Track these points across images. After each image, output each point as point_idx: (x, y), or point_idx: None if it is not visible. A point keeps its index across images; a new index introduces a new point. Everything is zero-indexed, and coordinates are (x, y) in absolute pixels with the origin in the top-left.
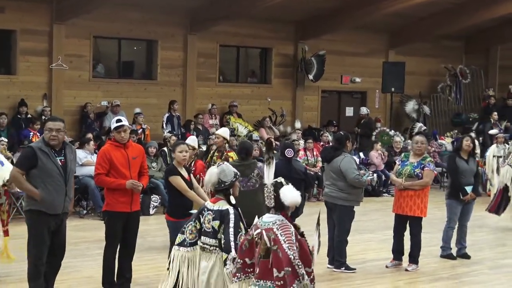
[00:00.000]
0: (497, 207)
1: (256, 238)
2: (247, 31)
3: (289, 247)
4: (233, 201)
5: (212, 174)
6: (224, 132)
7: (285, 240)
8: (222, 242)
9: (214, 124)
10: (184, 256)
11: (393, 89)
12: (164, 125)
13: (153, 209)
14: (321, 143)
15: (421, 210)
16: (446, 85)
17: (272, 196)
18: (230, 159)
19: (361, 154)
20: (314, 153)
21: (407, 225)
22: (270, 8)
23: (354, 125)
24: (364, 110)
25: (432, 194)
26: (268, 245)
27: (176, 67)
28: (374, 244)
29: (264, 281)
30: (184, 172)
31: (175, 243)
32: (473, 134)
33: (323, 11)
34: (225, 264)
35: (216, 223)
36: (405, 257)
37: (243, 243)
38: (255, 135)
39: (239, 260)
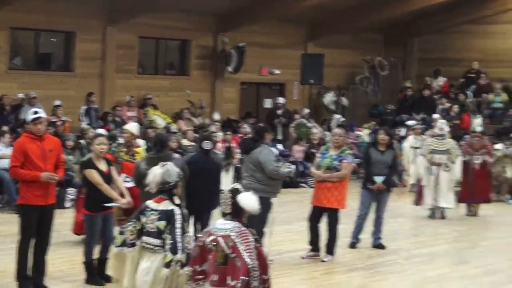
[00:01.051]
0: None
1: (210, 245)
2: (166, 23)
3: (249, 256)
4: (177, 201)
5: (156, 174)
6: (132, 127)
7: (245, 249)
8: (169, 242)
9: (132, 116)
10: (126, 256)
11: (311, 81)
12: (82, 118)
13: (69, 202)
14: (240, 135)
15: (338, 202)
16: (364, 77)
17: (229, 202)
18: (137, 155)
19: (280, 146)
20: (233, 144)
21: (324, 216)
22: (190, 0)
23: (274, 116)
24: (281, 100)
25: (350, 186)
26: (227, 251)
27: (95, 59)
28: (291, 235)
29: None
30: (102, 165)
31: (116, 245)
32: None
33: (243, 3)
34: (168, 266)
35: (161, 223)
36: (322, 248)
37: (194, 249)
38: (173, 127)
39: (189, 268)
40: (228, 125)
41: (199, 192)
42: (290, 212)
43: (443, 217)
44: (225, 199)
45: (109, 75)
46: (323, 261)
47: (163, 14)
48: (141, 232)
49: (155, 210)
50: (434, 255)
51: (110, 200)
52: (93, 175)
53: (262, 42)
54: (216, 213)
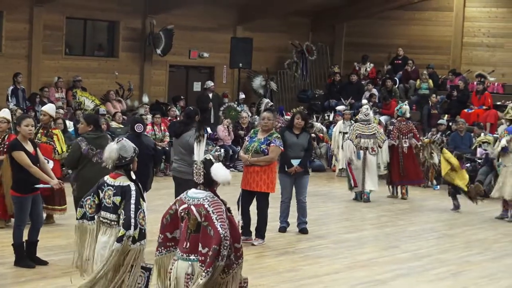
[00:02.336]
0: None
1: (183, 213)
2: (94, 4)
3: (221, 226)
4: (133, 176)
5: (112, 150)
6: (50, 109)
7: (218, 218)
8: (122, 217)
9: (60, 97)
10: (86, 228)
11: (240, 64)
12: (9, 98)
13: None
14: (169, 118)
15: (267, 185)
16: (292, 62)
17: (202, 173)
18: (55, 137)
19: (209, 129)
20: (162, 127)
21: (254, 200)
22: None
23: (205, 100)
24: (210, 83)
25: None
26: (199, 220)
27: (21, 39)
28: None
29: (196, 255)
30: (29, 147)
31: (77, 217)
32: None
33: None
34: (120, 240)
35: (117, 199)
36: (253, 232)
37: (164, 217)
38: (102, 109)
39: (160, 235)
40: (156, 108)
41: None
42: (220, 195)
43: (366, 200)
44: (198, 169)
45: (36, 56)
46: (253, 244)
47: None
48: (99, 206)
49: (112, 186)
50: (364, 239)
51: (40, 181)
52: (22, 157)
53: (191, 25)
54: (149, 195)
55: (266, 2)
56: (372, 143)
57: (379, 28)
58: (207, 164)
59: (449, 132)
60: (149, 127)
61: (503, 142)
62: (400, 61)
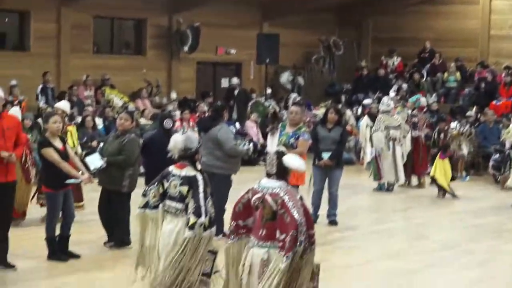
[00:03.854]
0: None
1: (257, 202)
2: (121, 3)
3: (297, 212)
4: (198, 166)
5: (178, 141)
6: (64, 105)
7: (293, 205)
8: (192, 207)
9: (89, 95)
10: (148, 217)
11: (267, 60)
12: (39, 97)
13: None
14: (197, 113)
15: (297, 178)
16: (320, 57)
17: (275, 163)
18: (69, 133)
19: (237, 125)
20: (191, 123)
21: None
22: None
23: (226, 97)
24: (235, 80)
25: (309, 163)
26: (274, 208)
27: (50, 39)
28: None
29: (272, 242)
30: (57, 143)
31: (139, 206)
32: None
33: None
34: (192, 228)
35: (184, 189)
36: None
37: (237, 205)
38: (131, 106)
39: (232, 223)
40: (185, 104)
41: (160, 169)
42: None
43: (390, 190)
44: (271, 160)
45: (64, 55)
46: None
47: None
48: (164, 196)
49: (178, 176)
50: (393, 230)
51: (70, 177)
52: (51, 154)
53: (217, 23)
54: None
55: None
56: (399, 134)
57: (406, 22)
58: (280, 154)
59: (477, 124)
60: (177, 123)
61: None
62: (427, 54)
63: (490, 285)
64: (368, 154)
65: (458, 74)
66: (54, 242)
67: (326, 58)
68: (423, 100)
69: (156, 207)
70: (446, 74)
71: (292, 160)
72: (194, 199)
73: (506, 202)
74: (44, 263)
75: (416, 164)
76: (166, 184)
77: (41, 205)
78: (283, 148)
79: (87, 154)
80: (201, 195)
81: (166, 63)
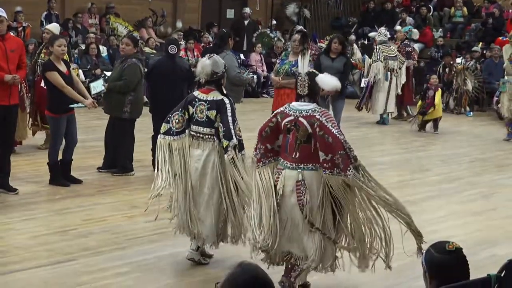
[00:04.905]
0: (359, 102)
1: (289, 125)
2: None
3: (339, 132)
4: (224, 91)
5: (205, 65)
6: (54, 27)
7: (332, 125)
8: (222, 130)
9: (93, 23)
10: (171, 144)
11: None
12: (44, 24)
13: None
14: (202, 44)
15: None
16: None
17: (306, 84)
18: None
19: (241, 56)
20: (195, 53)
21: None
22: None
23: (236, 27)
24: (247, 10)
25: None
26: (310, 131)
27: None
28: (253, 142)
29: (305, 164)
30: (62, 67)
31: (161, 132)
32: (353, 37)
33: None
34: (226, 151)
35: (212, 113)
36: None
37: (264, 129)
38: (136, 35)
39: (261, 146)
40: (190, 34)
41: (164, 95)
42: (252, 121)
43: (385, 122)
44: (302, 81)
45: None
46: None
47: None
48: (189, 121)
49: (204, 101)
50: (396, 162)
51: (74, 101)
52: (56, 77)
53: None
54: None
55: None
56: (396, 65)
57: None
58: (312, 75)
59: (483, 59)
60: (182, 52)
61: None
62: None
63: (490, 216)
64: (363, 80)
65: (465, 9)
66: (57, 167)
67: None
68: (415, 31)
69: (179, 133)
70: (453, 9)
71: (325, 78)
72: (223, 123)
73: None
74: (46, 187)
75: (406, 95)
76: (191, 110)
77: (34, 133)
78: (313, 70)
79: (91, 81)
80: (230, 119)
81: None
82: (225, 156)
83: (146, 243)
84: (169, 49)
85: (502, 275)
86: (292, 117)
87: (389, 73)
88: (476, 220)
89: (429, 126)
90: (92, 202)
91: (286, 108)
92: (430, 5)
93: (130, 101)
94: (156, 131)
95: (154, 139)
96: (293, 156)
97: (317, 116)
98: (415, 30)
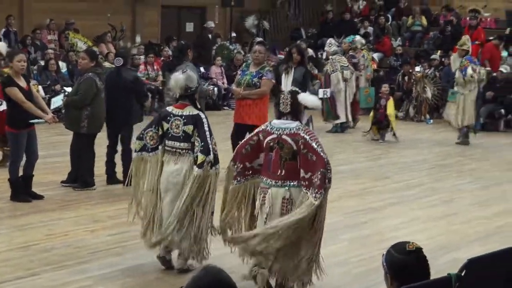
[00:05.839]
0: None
1: (272, 143)
2: None
3: (322, 151)
4: (198, 105)
5: (178, 79)
6: (1, 46)
7: (317, 144)
8: (200, 144)
9: (52, 39)
10: (147, 160)
11: (232, 3)
12: (2, 40)
13: None
14: (162, 58)
15: (259, 118)
16: (285, 1)
17: (289, 102)
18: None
19: (202, 69)
20: (155, 67)
21: (247, 134)
22: None
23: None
24: (211, 23)
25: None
26: (295, 148)
27: None
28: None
29: (292, 180)
30: (22, 82)
31: (134, 150)
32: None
33: None
34: (201, 166)
35: (189, 128)
36: None
37: (244, 146)
38: (95, 50)
39: (239, 164)
40: (150, 49)
41: (115, 107)
42: (214, 133)
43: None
44: (285, 99)
45: None
46: None
47: None
48: (163, 137)
49: (180, 116)
50: (357, 171)
51: (34, 116)
52: (16, 93)
53: None
54: (136, 127)
55: None
56: (349, 74)
57: None
58: (294, 93)
59: (441, 67)
60: (142, 67)
61: (470, 70)
62: None
63: (450, 221)
64: (321, 92)
65: (423, 18)
66: (18, 182)
67: (291, 2)
68: (358, 40)
69: (154, 149)
70: (411, 18)
71: (307, 97)
72: (200, 137)
73: (469, 144)
74: (7, 203)
75: (356, 106)
76: (166, 125)
77: None
78: (296, 88)
79: (52, 97)
80: (207, 133)
81: (130, 7)
82: (196, 170)
83: (109, 256)
84: (114, 62)
85: (463, 274)
86: (274, 135)
87: (343, 83)
88: (437, 225)
89: (389, 135)
90: (54, 217)
91: (267, 126)
92: (388, 15)
93: (87, 116)
94: (110, 143)
95: (108, 151)
96: (278, 173)
97: (302, 134)
98: (357, 38)
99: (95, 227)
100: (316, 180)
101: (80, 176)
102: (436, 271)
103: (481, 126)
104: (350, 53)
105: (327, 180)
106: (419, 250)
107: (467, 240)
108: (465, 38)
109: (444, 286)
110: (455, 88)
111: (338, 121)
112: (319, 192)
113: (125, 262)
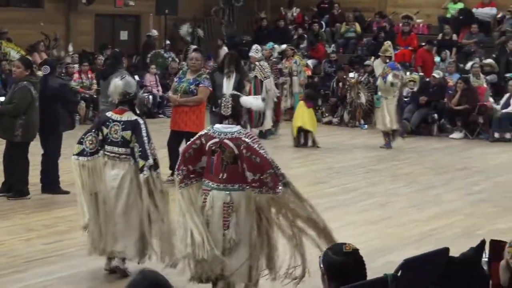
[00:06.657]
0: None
1: (214, 147)
2: None
3: (265, 152)
4: (137, 111)
5: (117, 85)
6: None
7: (259, 146)
8: (138, 150)
9: None
10: (85, 165)
11: (166, 11)
12: None
13: None
14: (97, 66)
15: (196, 125)
16: (219, 8)
17: (230, 105)
18: None
19: (136, 77)
20: (89, 75)
21: (183, 140)
22: None
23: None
24: (155, 32)
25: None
26: (236, 152)
27: None
28: None
29: (232, 184)
30: None
31: (73, 153)
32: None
33: None
34: (142, 170)
35: (127, 133)
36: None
37: (187, 150)
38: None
39: (183, 168)
40: (84, 57)
41: (43, 114)
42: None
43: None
44: (226, 102)
45: None
46: None
47: None
48: (103, 142)
49: (119, 121)
50: (291, 177)
51: None
52: None
53: None
54: (66, 134)
55: None
56: (273, 81)
57: None
58: (235, 97)
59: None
60: (76, 75)
61: (390, 78)
62: (326, 5)
63: (386, 225)
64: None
65: (356, 24)
66: None
67: (225, 9)
68: (276, 47)
69: (93, 153)
70: (344, 25)
71: (249, 99)
72: (138, 143)
73: (403, 148)
74: None
75: (279, 112)
76: (105, 130)
77: None
78: (237, 93)
79: None
80: (145, 139)
81: (64, 16)
82: (140, 175)
83: (45, 265)
84: (42, 70)
85: (399, 274)
86: (216, 139)
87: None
88: (373, 229)
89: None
90: None
91: (210, 130)
92: (322, 21)
93: (21, 124)
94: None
95: (42, 160)
96: (220, 176)
97: (243, 138)
98: (276, 46)
99: (30, 236)
100: (268, 180)
101: (14, 185)
102: (373, 273)
103: (413, 131)
104: (273, 59)
105: (280, 177)
106: (356, 251)
107: (403, 243)
108: (387, 44)
109: (380, 286)
110: (379, 93)
111: (262, 128)
112: (277, 189)
113: (62, 270)
